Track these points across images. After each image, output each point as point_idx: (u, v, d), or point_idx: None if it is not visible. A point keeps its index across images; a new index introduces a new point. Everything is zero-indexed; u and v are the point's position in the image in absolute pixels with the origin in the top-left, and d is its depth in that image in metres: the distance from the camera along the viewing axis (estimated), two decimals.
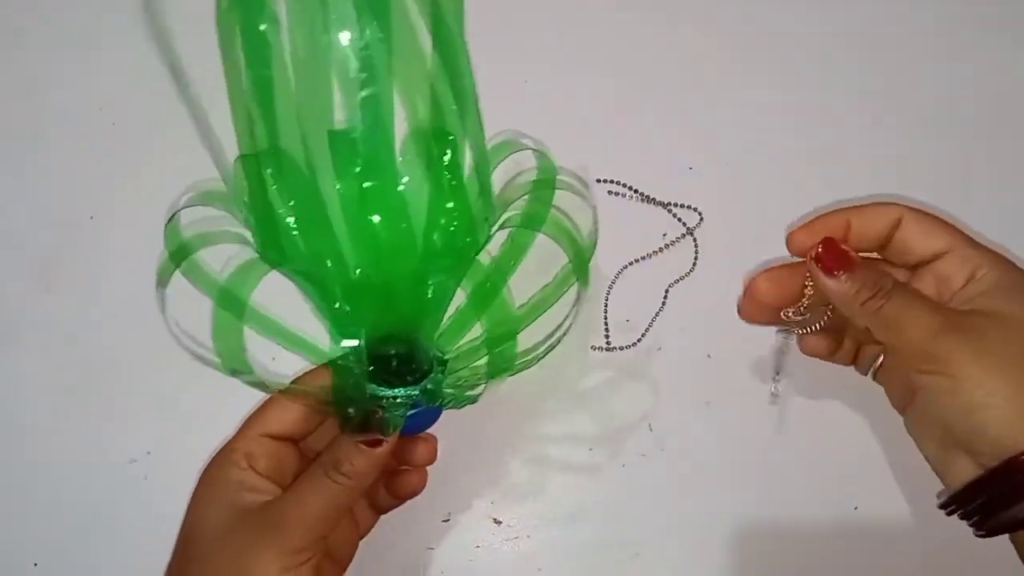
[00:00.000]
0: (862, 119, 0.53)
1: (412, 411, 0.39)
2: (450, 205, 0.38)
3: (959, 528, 0.48)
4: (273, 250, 0.39)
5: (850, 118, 0.53)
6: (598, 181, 0.47)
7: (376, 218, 0.38)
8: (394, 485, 0.42)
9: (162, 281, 0.40)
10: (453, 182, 0.38)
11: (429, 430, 0.42)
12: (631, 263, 0.48)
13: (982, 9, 0.55)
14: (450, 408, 0.41)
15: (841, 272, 0.35)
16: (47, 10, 0.54)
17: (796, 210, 0.52)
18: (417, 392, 0.39)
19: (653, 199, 0.49)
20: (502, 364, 0.40)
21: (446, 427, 0.48)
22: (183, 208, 0.41)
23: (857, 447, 0.49)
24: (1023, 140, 0.53)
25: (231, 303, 0.40)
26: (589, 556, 0.48)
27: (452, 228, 0.38)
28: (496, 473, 0.47)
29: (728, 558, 0.48)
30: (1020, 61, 0.54)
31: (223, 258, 0.41)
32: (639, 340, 0.48)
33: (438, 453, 0.43)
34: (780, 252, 0.51)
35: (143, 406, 0.49)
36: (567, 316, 0.41)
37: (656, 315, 0.49)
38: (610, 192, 0.47)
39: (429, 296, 0.39)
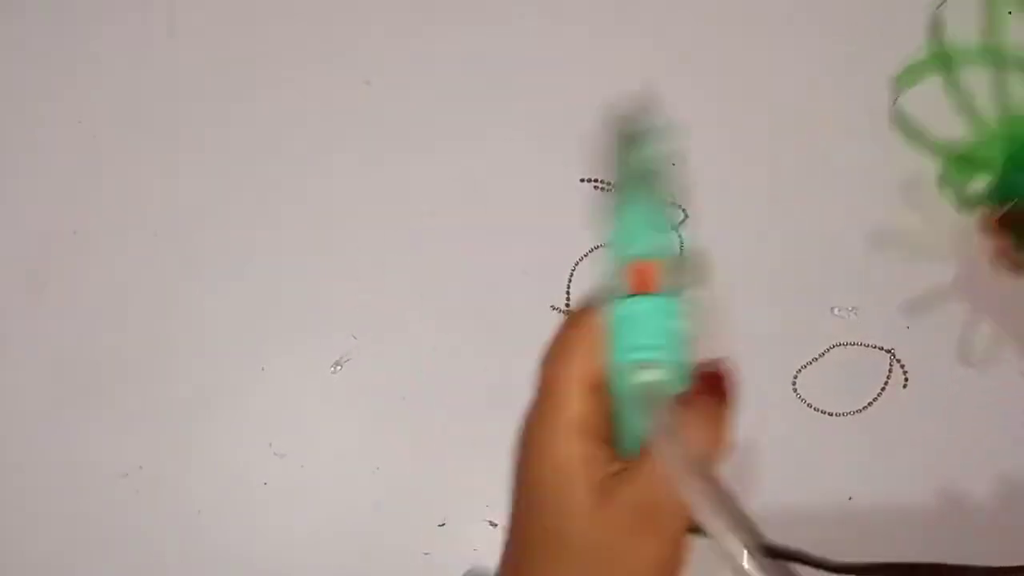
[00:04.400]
0: (849, 114, 0.53)
1: None
2: None
3: (954, 518, 0.49)
4: None
5: (837, 114, 0.53)
6: (582, 181, 0.48)
7: None
8: None
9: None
10: None
11: None
12: None
13: None
14: None
15: None
16: (28, 23, 0.54)
17: (784, 206, 0.52)
18: None
19: None
20: None
21: (441, 430, 0.48)
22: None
23: (852, 440, 0.49)
24: None
25: None
26: None
27: None
28: (491, 475, 0.47)
29: None
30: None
31: None
32: None
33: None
34: (767, 247, 0.51)
35: (134, 420, 0.49)
36: None
37: None
38: (595, 187, 0.47)
39: None
